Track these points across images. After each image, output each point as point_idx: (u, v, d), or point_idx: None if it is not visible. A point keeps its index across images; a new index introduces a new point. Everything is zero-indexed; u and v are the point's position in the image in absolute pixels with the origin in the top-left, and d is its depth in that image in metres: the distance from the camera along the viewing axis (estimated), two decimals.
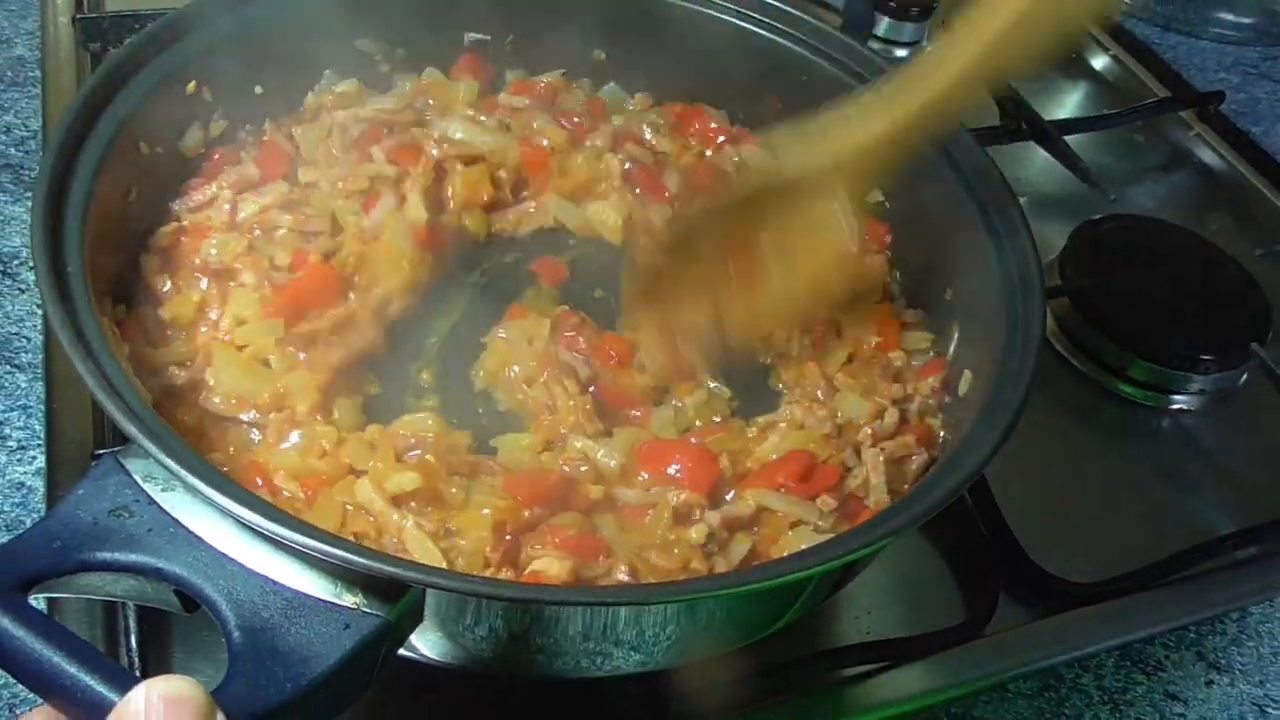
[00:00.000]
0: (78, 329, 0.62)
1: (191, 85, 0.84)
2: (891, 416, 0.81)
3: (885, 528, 0.62)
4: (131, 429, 0.56)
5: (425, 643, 0.65)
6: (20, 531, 0.78)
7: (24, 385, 0.87)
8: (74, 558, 0.54)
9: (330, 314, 0.77)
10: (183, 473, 0.55)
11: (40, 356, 0.89)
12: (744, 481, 0.75)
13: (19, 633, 0.50)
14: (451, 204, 0.88)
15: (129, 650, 0.71)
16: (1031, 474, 0.95)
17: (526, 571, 0.67)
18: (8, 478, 0.82)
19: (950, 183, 0.87)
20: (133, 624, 0.71)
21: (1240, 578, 0.90)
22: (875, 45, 1.37)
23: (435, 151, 0.89)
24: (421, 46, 0.98)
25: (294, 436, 0.72)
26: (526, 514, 0.69)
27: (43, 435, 0.84)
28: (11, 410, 0.86)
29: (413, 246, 0.83)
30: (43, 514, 0.80)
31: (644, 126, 0.98)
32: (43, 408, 0.85)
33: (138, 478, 0.58)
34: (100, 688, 0.49)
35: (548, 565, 0.67)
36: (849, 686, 0.78)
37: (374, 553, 0.55)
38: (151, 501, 0.57)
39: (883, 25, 1.40)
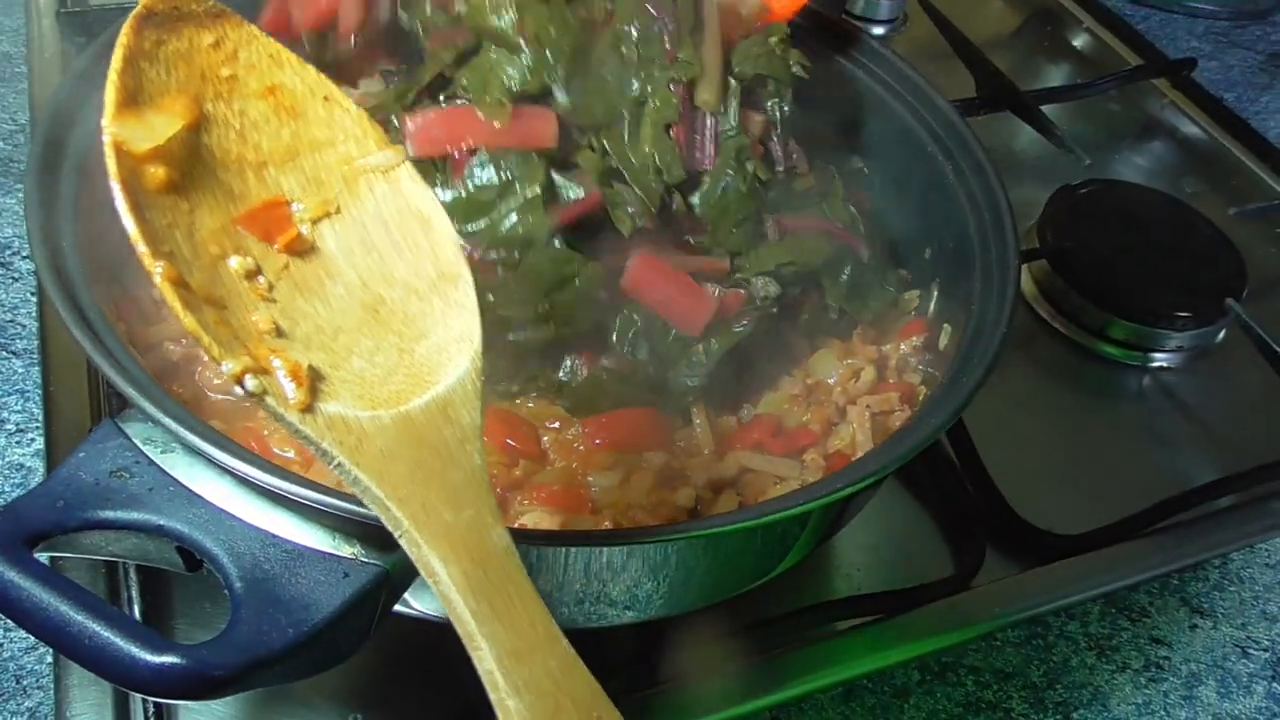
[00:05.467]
0: (74, 302, 0.64)
1: None
2: (868, 375, 0.82)
3: (870, 466, 0.63)
4: (130, 390, 0.58)
5: (422, 599, 0.66)
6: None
7: (20, 370, 0.89)
8: (77, 516, 0.55)
9: None
10: (182, 432, 0.57)
11: (35, 343, 0.90)
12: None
13: (26, 584, 0.51)
14: None
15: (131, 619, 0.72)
16: (1015, 433, 0.97)
17: (515, 525, 0.69)
18: (7, 459, 0.83)
19: (926, 146, 0.89)
20: (135, 594, 0.73)
21: (1221, 525, 0.92)
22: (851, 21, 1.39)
23: None
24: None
25: None
26: (517, 472, 0.71)
27: (41, 418, 0.85)
28: (9, 394, 0.87)
29: None
30: None
31: None
32: (39, 392, 0.86)
33: (137, 441, 0.59)
34: (106, 633, 0.50)
35: (538, 519, 0.68)
36: (842, 639, 0.80)
37: None
38: (151, 463, 0.59)
39: (858, 3, 1.42)
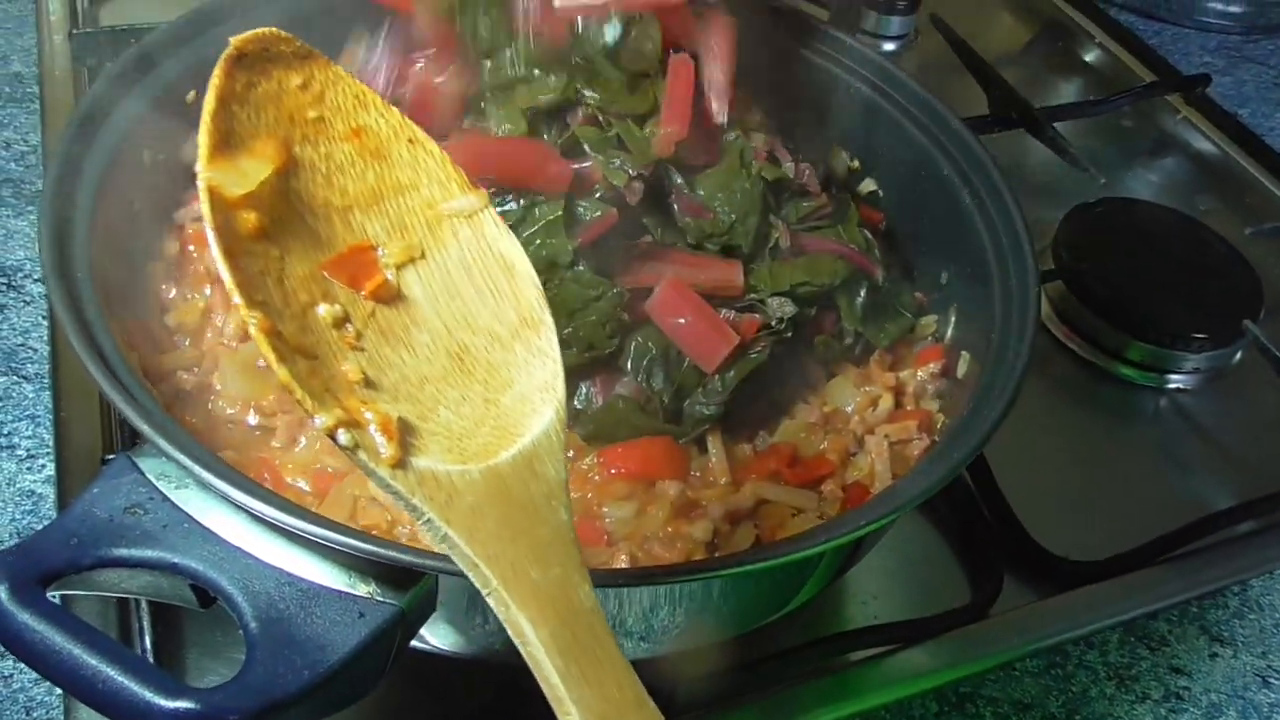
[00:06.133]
0: (88, 332, 0.63)
1: (191, 95, 0.84)
2: (886, 402, 0.82)
3: (889, 505, 0.63)
4: (144, 426, 0.57)
5: (436, 633, 0.65)
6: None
7: (31, 395, 0.88)
8: (91, 554, 0.55)
9: None
10: (196, 469, 0.56)
11: (47, 367, 0.89)
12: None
13: (40, 627, 0.51)
14: None
15: (143, 651, 0.71)
16: (1032, 456, 0.96)
17: None
18: (18, 486, 0.83)
19: (942, 169, 0.88)
20: (146, 625, 0.72)
21: (1240, 551, 0.91)
22: (863, 40, 1.39)
23: None
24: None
25: (303, 438, 0.73)
26: None
27: (51, 444, 0.84)
28: (20, 420, 0.87)
29: None
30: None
31: None
32: (50, 417, 0.86)
33: (151, 476, 0.59)
34: (121, 678, 0.50)
35: None
36: (858, 669, 0.79)
37: (386, 541, 0.56)
38: (165, 499, 0.58)
39: (869, 20, 1.41)
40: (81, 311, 0.65)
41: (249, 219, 0.50)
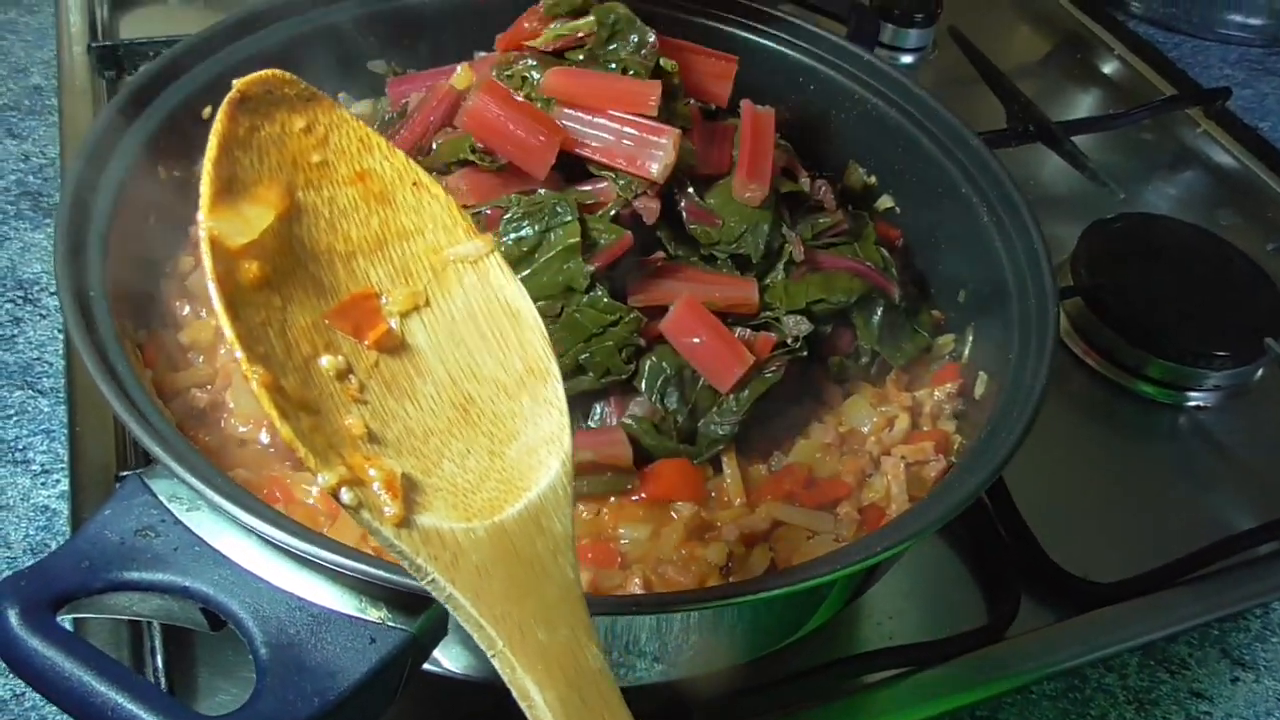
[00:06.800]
0: (101, 351, 0.63)
1: (207, 110, 0.85)
2: (902, 423, 0.81)
3: (905, 531, 0.62)
4: (156, 449, 0.57)
5: (449, 656, 0.65)
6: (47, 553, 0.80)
7: (46, 410, 0.88)
8: (102, 577, 0.55)
9: None
10: (208, 492, 0.56)
11: (62, 381, 0.90)
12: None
13: (49, 652, 0.51)
14: None
15: (155, 670, 0.71)
16: (1050, 475, 0.95)
17: None
18: (32, 501, 0.83)
19: (960, 186, 0.88)
20: (158, 644, 0.72)
21: (1263, 573, 0.90)
22: (880, 53, 1.38)
23: None
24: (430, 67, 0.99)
25: None
26: None
27: (66, 459, 0.85)
28: (34, 434, 0.87)
29: None
30: (67, 537, 0.81)
31: None
32: (65, 432, 0.86)
33: (163, 498, 0.59)
34: (130, 705, 0.49)
35: None
36: (873, 692, 0.78)
37: (398, 566, 0.56)
38: (177, 521, 0.58)
39: (887, 32, 1.41)
40: (95, 330, 0.65)
41: (251, 268, 0.49)
